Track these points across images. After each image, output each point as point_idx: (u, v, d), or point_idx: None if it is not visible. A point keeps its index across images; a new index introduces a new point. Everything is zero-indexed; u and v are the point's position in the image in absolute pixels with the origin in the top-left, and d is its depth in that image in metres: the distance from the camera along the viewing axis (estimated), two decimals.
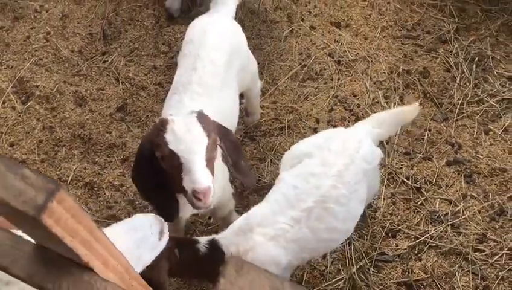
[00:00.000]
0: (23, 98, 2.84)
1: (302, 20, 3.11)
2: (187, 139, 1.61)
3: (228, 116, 2.00)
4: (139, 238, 1.32)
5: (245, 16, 3.08)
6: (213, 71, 1.95)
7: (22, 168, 0.55)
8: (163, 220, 1.41)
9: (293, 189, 1.76)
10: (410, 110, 2.08)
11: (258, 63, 2.53)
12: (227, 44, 2.05)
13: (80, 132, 2.71)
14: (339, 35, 3.03)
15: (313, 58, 2.93)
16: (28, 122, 2.76)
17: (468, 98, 2.75)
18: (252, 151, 2.63)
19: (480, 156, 2.58)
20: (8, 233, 0.69)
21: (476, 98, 2.75)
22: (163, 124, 1.65)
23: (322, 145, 1.85)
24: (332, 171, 1.77)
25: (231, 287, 0.51)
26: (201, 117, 1.68)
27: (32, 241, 0.69)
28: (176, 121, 1.65)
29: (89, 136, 2.69)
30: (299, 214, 1.72)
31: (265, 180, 2.55)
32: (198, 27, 2.06)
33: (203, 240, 1.74)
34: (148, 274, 1.27)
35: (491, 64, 2.86)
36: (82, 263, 0.65)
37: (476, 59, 2.88)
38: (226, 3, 2.27)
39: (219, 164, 1.91)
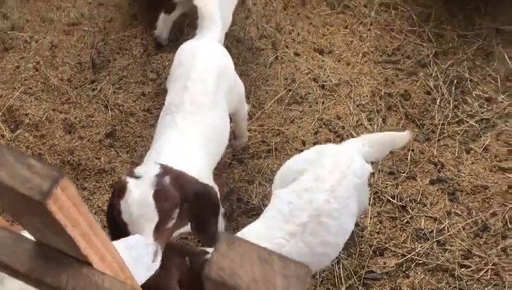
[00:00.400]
0: (13, 126, 2.87)
1: (287, 47, 3.21)
2: (136, 215, 1.58)
3: (219, 134, 2.06)
4: (135, 256, 1.34)
5: (231, 44, 3.17)
6: (203, 90, 2.02)
7: (28, 158, 0.59)
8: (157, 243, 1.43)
9: (287, 205, 1.80)
10: (402, 136, 2.12)
11: (245, 89, 2.60)
12: (215, 66, 2.12)
13: (69, 158, 2.73)
14: (322, 61, 3.13)
15: (297, 83, 3.02)
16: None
17: (449, 118, 2.84)
18: (241, 174, 2.67)
19: (462, 174, 2.66)
20: (8, 232, 0.72)
21: (456, 119, 2.84)
22: (120, 190, 1.64)
23: (314, 160, 1.90)
24: (325, 186, 1.81)
25: (223, 259, 0.54)
26: (162, 181, 1.62)
27: (32, 239, 0.72)
28: (130, 191, 1.61)
29: (78, 162, 2.71)
30: (294, 229, 1.75)
31: (254, 202, 2.58)
32: (188, 50, 2.14)
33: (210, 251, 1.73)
34: (157, 280, 1.28)
35: (469, 87, 2.97)
36: (81, 256, 0.68)
37: (455, 82, 2.99)
38: (211, 29, 2.35)
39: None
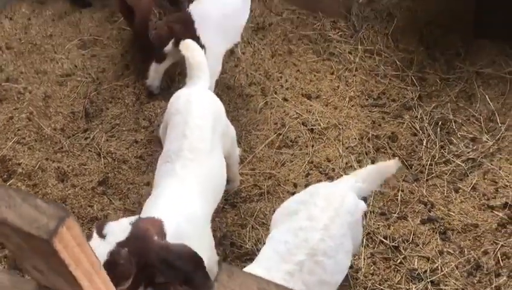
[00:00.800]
0: (5, 176, 2.88)
1: (275, 93, 3.30)
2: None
3: (218, 180, 2.10)
4: None
5: (222, 91, 3.25)
6: (201, 136, 2.07)
7: (35, 198, 0.62)
8: None
9: (284, 244, 1.81)
10: (391, 164, 2.20)
11: (236, 133, 2.66)
12: (210, 112, 2.20)
13: None
14: (311, 105, 3.22)
15: (287, 127, 3.09)
16: None
17: (436, 159, 2.91)
18: (233, 218, 2.69)
19: (452, 213, 2.69)
20: (8, 274, 0.74)
21: (443, 159, 2.91)
22: (98, 229, 1.64)
23: (308, 200, 1.93)
24: (319, 224, 1.84)
25: (224, 289, 0.57)
26: (119, 251, 1.59)
27: (33, 281, 0.73)
28: (100, 243, 1.60)
29: (71, 211, 2.71)
30: (292, 268, 1.76)
31: (247, 246, 2.59)
32: (183, 98, 2.21)
33: None
34: None
35: (454, 127, 3.06)
36: None
37: (440, 123, 3.08)
38: (200, 77, 2.43)
39: (204, 232, 1.96)
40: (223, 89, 3.30)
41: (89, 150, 3.01)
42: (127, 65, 3.45)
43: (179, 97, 2.23)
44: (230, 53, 3.41)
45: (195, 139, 2.04)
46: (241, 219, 2.68)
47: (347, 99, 3.25)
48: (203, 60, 2.38)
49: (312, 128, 3.08)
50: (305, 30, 3.66)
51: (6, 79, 3.34)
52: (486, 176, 2.81)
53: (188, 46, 2.33)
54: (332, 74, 3.41)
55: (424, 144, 2.99)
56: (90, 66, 3.43)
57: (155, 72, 3.14)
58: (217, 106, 2.30)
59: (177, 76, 3.36)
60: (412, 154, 2.96)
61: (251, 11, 3.33)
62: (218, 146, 2.16)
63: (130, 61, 3.46)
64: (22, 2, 3.74)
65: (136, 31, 3.40)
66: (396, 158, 2.23)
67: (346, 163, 2.91)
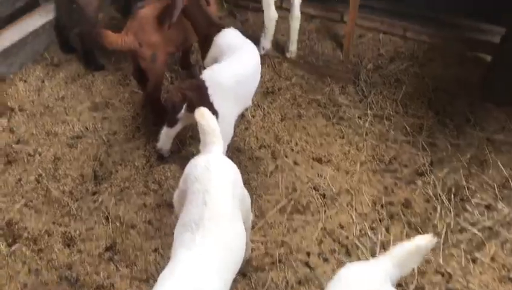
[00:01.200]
0: (10, 240, 2.81)
1: (286, 156, 3.29)
2: None
3: (238, 249, 2.03)
4: None
5: (232, 154, 3.24)
6: (222, 204, 2.03)
7: None
8: None
9: None
10: (428, 242, 1.91)
11: None
12: (229, 179, 2.17)
13: (66, 274, 2.64)
14: (322, 169, 3.20)
15: (298, 191, 3.05)
16: (12, 266, 2.69)
17: (451, 227, 2.84)
18: (244, 288, 2.59)
19: (471, 285, 2.60)
20: None
21: (459, 227, 2.84)
22: None
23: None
24: None
25: None
26: None
27: None
28: None
29: (76, 278, 2.62)
30: None
31: None
32: (201, 166, 2.18)
33: None
34: None
35: (468, 194, 3.02)
36: None
37: (453, 189, 3.04)
38: (215, 143, 2.42)
39: None
40: (233, 151, 3.29)
41: (97, 214, 2.95)
42: (138, 128, 3.46)
43: (197, 165, 2.20)
44: (241, 116, 3.43)
45: (216, 207, 2.00)
46: (252, 289, 2.58)
47: (358, 164, 3.23)
48: (217, 126, 2.38)
49: (324, 194, 3.04)
50: (314, 94, 3.70)
51: (17, 141, 3.34)
52: (504, 246, 2.74)
53: (203, 115, 2.33)
54: (342, 138, 3.41)
55: (439, 211, 2.93)
56: (101, 128, 3.44)
57: (166, 136, 3.14)
58: (235, 173, 2.27)
59: (188, 139, 3.37)
60: (427, 221, 2.90)
61: (261, 76, 3.38)
62: (238, 214, 2.12)
63: (141, 123, 3.48)
64: (36, 64, 3.82)
65: (148, 95, 3.44)
66: (431, 234, 2.01)
67: (360, 230, 2.84)
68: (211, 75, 2.84)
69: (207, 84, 2.81)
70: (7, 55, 3.58)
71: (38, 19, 3.71)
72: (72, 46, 3.94)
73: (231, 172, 2.23)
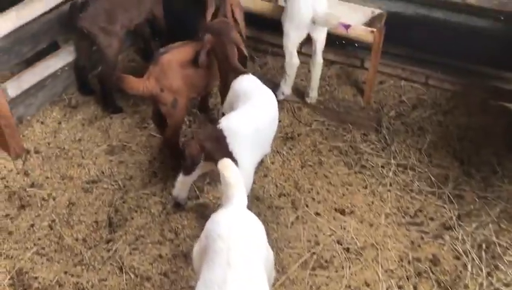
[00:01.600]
0: None
1: (307, 206, 3.18)
2: None
3: None
4: None
5: (251, 203, 3.13)
6: (247, 264, 1.92)
7: None
8: None
9: None
10: None
11: None
12: (253, 236, 2.06)
13: None
14: (345, 221, 3.07)
15: (321, 245, 2.92)
16: None
17: (484, 287, 2.69)
18: None
19: None
20: None
21: (492, 288, 2.69)
22: None
23: None
24: None
25: None
26: None
27: None
28: None
29: None
30: None
31: None
32: (223, 223, 2.08)
33: None
34: None
35: (499, 251, 2.87)
36: None
37: (483, 246, 2.90)
38: (238, 196, 2.33)
39: None
40: (252, 200, 3.18)
41: (111, 264, 2.84)
42: (155, 172, 3.38)
43: (219, 222, 2.10)
44: (260, 163, 3.33)
45: (240, 269, 1.88)
46: None
47: (383, 216, 3.11)
48: (241, 180, 2.30)
49: (348, 248, 2.91)
50: (335, 141, 3.62)
51: (32, 184, 3.26)
52: None
53: (227, 167, 2.25)
54: (365, 187, 3.30)
55: (469, 270, 2.78)
56: (118, 172, 3.36)
57: (182, 184, 3.05)
58: (260, 230, 2.17)
59: (206, 185, 3.28)
60: (457, 280, 2.75)
61: (279, 120, 3.32)
62: (263, 275, 2.00)
63: (158, 168, 3.40)
64: (54, 106, 3.79)
65: (166, 140, 3.38)
66: None
67: (387, 289, 2.69)
68: (229, 124, 2.76)
69: (225, 133, 2.73)
70: (26, 97, 3.55)
71: (57, 61, 3.69)
72: (90, 87, 3.91)
73: (256, 229, 2.13)
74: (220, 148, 2.70)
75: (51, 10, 3.53)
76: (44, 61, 3.61)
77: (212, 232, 2.06)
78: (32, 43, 3.47)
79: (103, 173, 3.36)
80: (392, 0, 3.85)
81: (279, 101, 3.02)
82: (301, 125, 3.76)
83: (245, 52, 3.12)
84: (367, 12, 3.85)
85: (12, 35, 3.29)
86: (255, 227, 2.14)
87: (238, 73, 3.06)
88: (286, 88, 3.86)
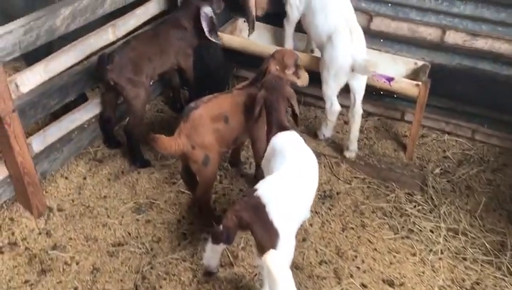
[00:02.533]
0: None
1: (351, 276, 2.89)
2: None
3: None
4: None
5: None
6: None
7: None
8: None
9: None
10: None
11: None
12: None
13: None
14: None
15: None
16: None
17: None
18: None
19: None
20: None
21: None
22: None
23: None
24: None
25: None
26: None
27: None
28: None
29: None
30: None
31: None
32: None
33: None
34: None
35: None
36: None
37: None
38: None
39: None
40: (291, 268, 2.90)
41: None
42: (184, 234, 3.14)
43: None
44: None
45: None
46: None
47: (436, 289, 2.81)
48: (289, 275, 2.07)
49: None
50: (378, 201, 3.36)
51: (54, 246, 3.04)
52: None
53: (275, 263, 2.04)
54: (414, 255, 3.01)
55: None
56: (145, 233, 3.13)
57: (211, 252, 2.77)
58: None
59: (240, 251, 3.02)
60: None
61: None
62: None
63: (187, 229, 3.16)
64: (79, 160, 3.61)
65: (198, 199, 3.16)
66: None
67: None
68: (267, 190, 2.52)
69: (264, 201, 2.47)
70: (51, 151, 3.37)
71: (84, 114, 3.54)
72: (117, 140, 3.74)
73: None
74: (259, 218, 2.45)
75: (78, 62, 3.40)
76: (70, 114, 3.45)
77: None
78: (60, 96, 3.32)
79: (129, 234, 3.14)
80: (435, 51, 3.66)
81: (316, 156, 2.80)
82: (340, 182, 3.52)
83: (297, 110, 2.92)
84: (409, 63, 3.66)
85: (40, 88, 3.15)
86: None
87: (281, 129, 2.86)
88: (327, 131, 3.73)
